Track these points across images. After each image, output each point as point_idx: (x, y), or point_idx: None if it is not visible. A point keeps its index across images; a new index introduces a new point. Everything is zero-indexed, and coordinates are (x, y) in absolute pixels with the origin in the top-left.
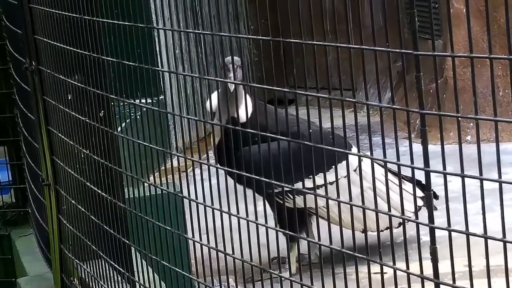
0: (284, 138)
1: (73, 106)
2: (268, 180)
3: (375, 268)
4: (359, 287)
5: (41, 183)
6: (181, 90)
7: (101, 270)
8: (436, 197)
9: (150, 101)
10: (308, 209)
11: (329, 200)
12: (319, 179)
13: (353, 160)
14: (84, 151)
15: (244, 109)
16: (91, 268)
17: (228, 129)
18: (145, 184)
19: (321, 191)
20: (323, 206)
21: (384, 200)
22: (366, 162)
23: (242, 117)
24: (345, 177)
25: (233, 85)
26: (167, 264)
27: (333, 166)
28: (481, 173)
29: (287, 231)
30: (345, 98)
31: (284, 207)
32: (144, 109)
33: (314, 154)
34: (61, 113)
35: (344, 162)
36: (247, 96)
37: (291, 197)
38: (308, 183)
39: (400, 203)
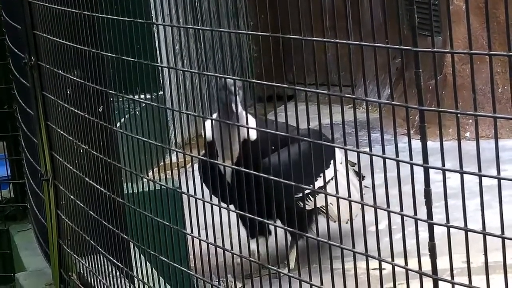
0: (305, 139)
1: (72, 102)
2: (300, 185)
3: (374, 264)
4: (357, 283)
5: (40, 178)
6: (180, 86)
7: (99, 265)
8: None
9: (149, 96)
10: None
11: (328, 196)
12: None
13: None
14: (83, 146)
15: (252, 130)
16: (90, 263)
17: (246, 149)
18: (144, 179)
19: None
20: (323, 206)
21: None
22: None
23: (252, 136)
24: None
25: (236, 106)
26: (166, 260)
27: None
28: (480, 170)
29: (287, 227)
30: (344, 94)
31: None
32: (143, 104)
33: (315, 157)
34: (60, 108)
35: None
36: (248, 114)
37: (311, 199)
38: (316, 184)
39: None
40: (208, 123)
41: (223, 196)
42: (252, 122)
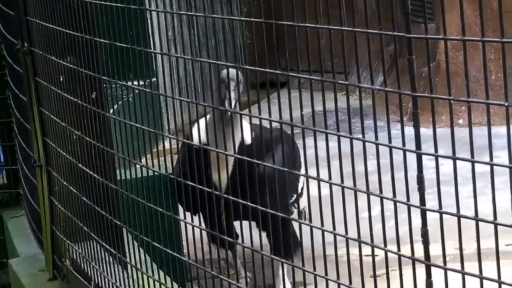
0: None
1: (65, 88)
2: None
3: (367, 250)
4: (350, 269)
5: (33, 164)
6: (173, 72)
7: (92, 252)
8: None
9: (143, 83)
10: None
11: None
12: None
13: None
14: (76, 132)
15: (248, 131)
16: (83, 249)
17: (241, 153)
18: (137, 165)
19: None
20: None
21: None
22: None
23: (247, 140)
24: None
25: (231, 107)
26: (159, 246)
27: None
28: (472, 156)
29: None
30: (338, 80)
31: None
32: (137, 91)
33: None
34: (53, 94)
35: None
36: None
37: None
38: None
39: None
40: (200, 124)
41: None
42: (246, 125)
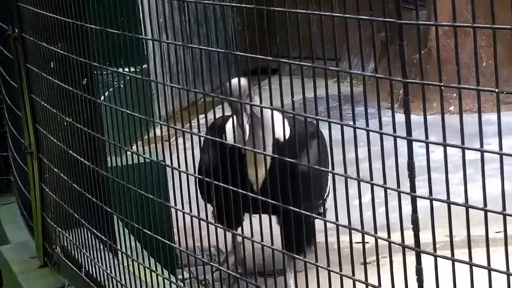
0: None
1: (56, 74)
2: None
3: (357, 237)
4: (340, 257)
5: (23, 151)
6: (164, 59)
7: (83, 238)
8: None
9: (134, 69)
10: None
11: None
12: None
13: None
14: (67, 119)
15: (282, 128)
16: (74, 236)
17: (279, 150)
18: (128, 152)
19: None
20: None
21: None
22: None
23: (283, 134)
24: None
25: (248, 129)
26: (150, 233)
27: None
28: (463, 143)
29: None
30: (329, 67)
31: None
32: (128, 77)
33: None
34: (44, 81)
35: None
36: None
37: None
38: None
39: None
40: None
41: (250, 207)
42: (278, 118)
